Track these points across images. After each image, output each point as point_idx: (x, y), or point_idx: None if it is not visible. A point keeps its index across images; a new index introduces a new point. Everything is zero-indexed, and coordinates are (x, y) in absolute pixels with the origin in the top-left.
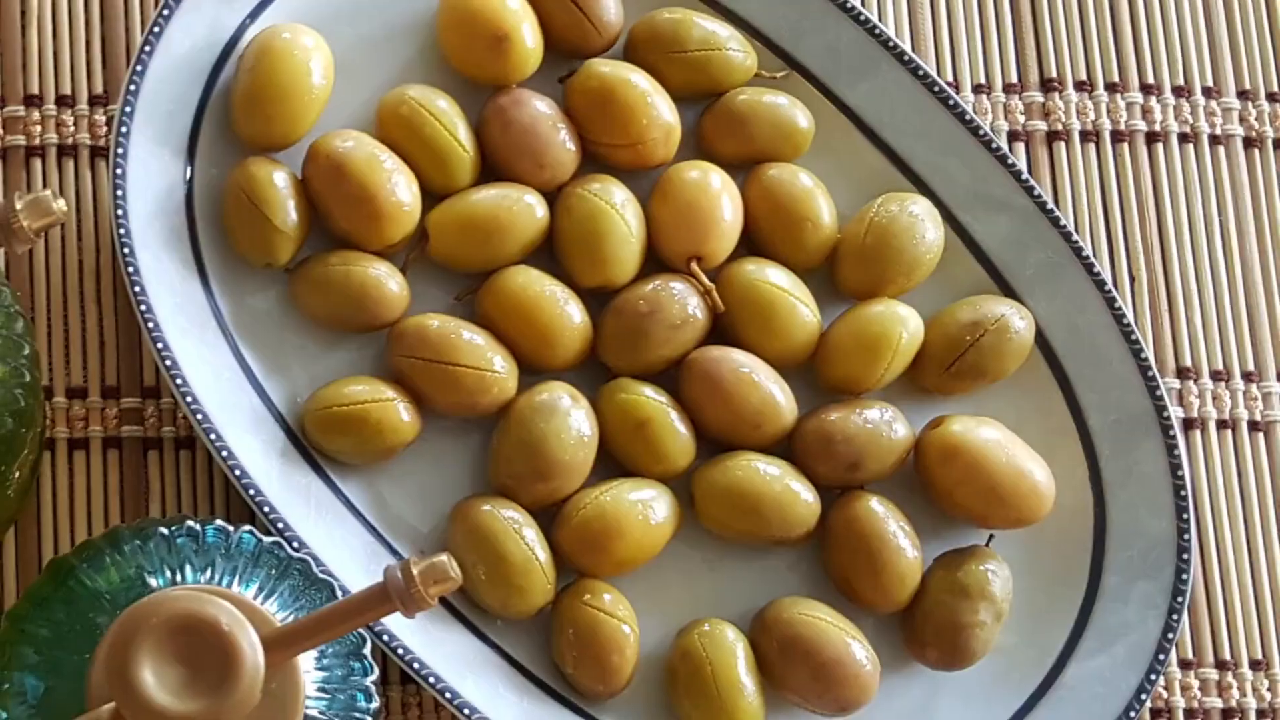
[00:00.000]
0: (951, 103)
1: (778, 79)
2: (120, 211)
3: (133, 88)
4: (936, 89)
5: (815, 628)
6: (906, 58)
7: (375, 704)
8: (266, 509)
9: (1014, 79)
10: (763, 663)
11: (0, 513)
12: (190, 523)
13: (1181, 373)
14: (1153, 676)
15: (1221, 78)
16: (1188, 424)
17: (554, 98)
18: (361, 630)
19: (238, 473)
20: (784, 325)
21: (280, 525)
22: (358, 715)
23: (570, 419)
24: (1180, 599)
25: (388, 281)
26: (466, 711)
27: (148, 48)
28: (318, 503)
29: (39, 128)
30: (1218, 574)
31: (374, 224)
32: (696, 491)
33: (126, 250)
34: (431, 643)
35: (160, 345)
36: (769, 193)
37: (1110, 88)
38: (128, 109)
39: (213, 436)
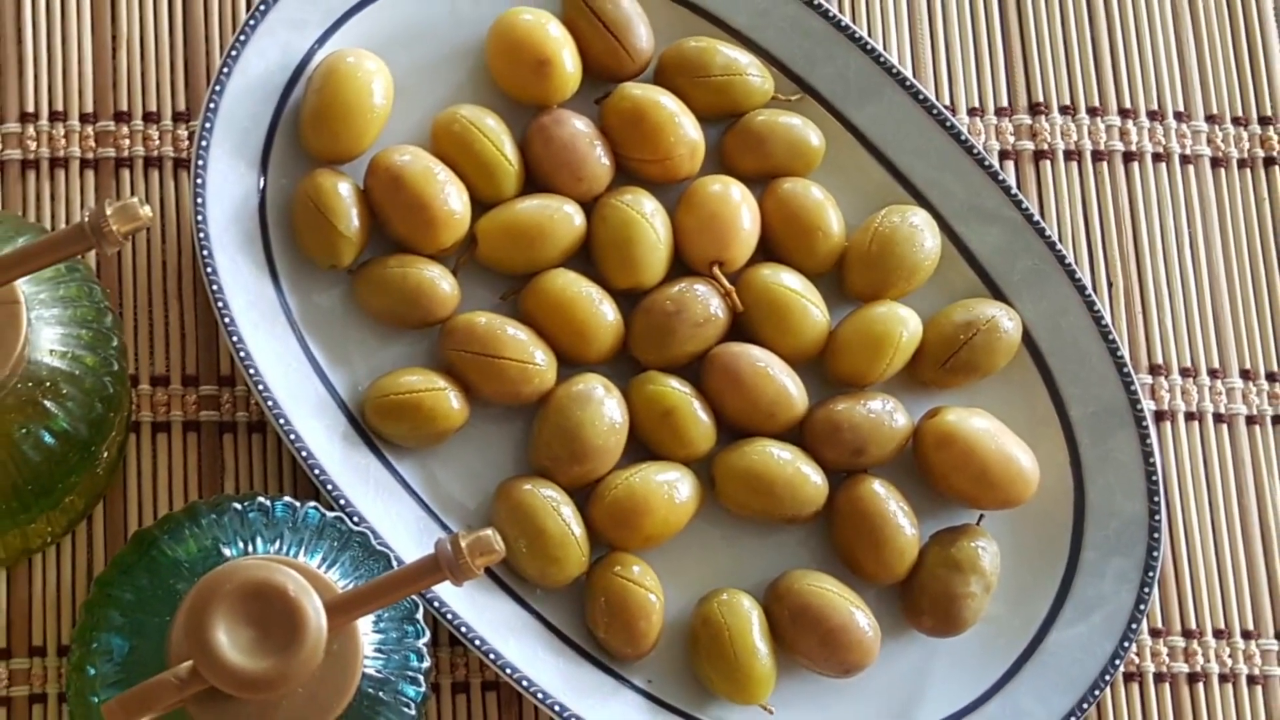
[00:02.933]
0: (948, 124)
1: (792, 102)
2: (200, 217)
3: (212, 106)
4: (935, 111)
5: (823, 597)
6: (908, 83)
7: (426, 664)
8: (330, 487)
9: (1005, 103)
10: (775, 629)
11: (91, 489)
12: (261, 499)
13: (1154, 369)
14: (1126, 644)
15: (1191, 103)
16: (1159, 416)
17: (591, 117)
18: (414, 597)
19: (304, 454)
20: (797, 324)
21: (342, 502)
22: (410, 673)
23: (604, 407)
24: (1151, 573)
25: (440, 282)
26: (509, 671)
27: (226, 70)
28: (376, 482)
29: (128, 141)
30: (1185, 551)
31: (428, 230)
32: (717, 474)
33: (205, 252)
34: (477, 609)
35: (235, 338)
36: (784, 204)
37: (1091, 111)
38: (207, 125)
39: (282, 421)
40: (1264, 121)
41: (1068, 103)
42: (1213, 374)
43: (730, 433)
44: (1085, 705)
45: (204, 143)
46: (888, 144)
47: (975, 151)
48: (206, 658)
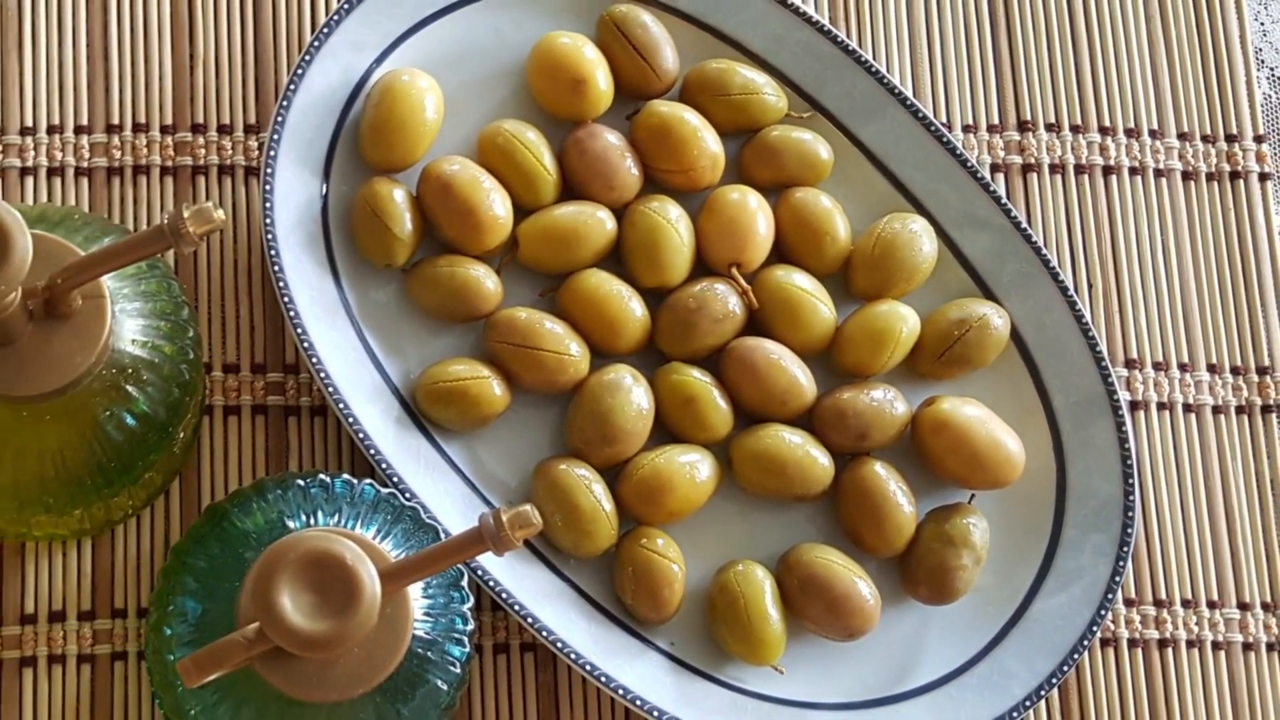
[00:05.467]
0: (945, 140)
1: (804, 118)
2: (268, 220)
3: (280, 119)
4: (933, 128)
5: (829, 568)
6: (909, 102)
7: (470, 626)
8: (384, 465)
9: (996, 121)
10: (786, 597)
11: (168, 466)
12: (322, 476)
13: (1129, 363)
14: (1102, 612)
15: (1165, 122)
16: (1134, 405)
17: (622, 131)
18: (460, 566)
19: (361, 436)
20: (807, 320)
21: (395, 479)
22: (456, 635)
23: (632, 395)
24: (1126, 548)
25: (485, 280)
26: (545, 634)
27: (292, 86)
28: (425, 461)
29: (203, 151)
30: (1156, 528)
31: (475, 233)
32: (734, 456)
33: (273, 252)
34: (516, 577)
35: (299, 330)
36: (795, 211)
37: (1074, 129)
38: (275, 136)
39: (341, 406)
40: (1230, 139)
41: (1053, 121)
42: (1183, 368)
43: (746, 418)
44: (1065, 668)
45: (272, 153)
46: (890, 157)
47: (969, 165)
48: (272, 620)
